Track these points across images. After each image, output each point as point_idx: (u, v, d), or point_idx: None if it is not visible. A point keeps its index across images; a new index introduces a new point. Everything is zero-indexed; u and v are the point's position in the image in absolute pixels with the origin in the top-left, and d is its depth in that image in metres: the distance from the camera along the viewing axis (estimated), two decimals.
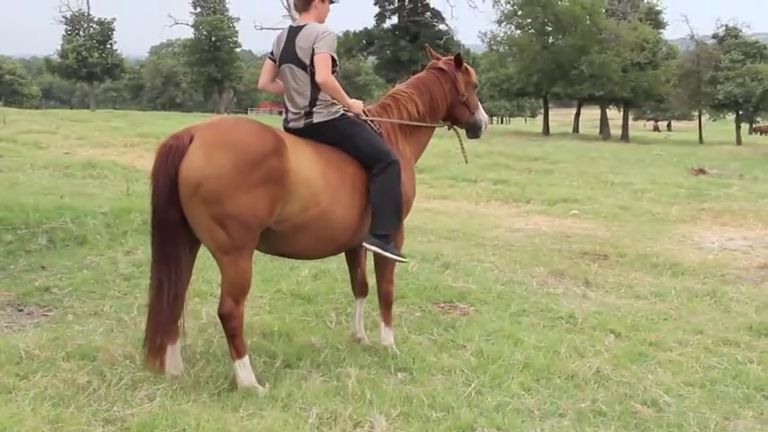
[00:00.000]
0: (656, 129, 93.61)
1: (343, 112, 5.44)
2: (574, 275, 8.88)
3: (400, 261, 5.61)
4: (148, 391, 4.77)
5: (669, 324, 7.05)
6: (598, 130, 58.82)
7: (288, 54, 5.38)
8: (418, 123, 5.96)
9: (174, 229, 4.77)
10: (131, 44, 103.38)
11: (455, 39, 62.35)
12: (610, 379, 5.45)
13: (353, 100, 5.53)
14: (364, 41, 62.45)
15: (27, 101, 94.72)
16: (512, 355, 5.74)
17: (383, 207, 5.34)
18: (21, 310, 6.72)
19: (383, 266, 5.70)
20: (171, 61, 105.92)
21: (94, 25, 73.81)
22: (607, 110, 59.29)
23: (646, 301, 7.90)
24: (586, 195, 16.80)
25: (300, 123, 5.37)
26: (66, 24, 73.24)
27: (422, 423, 4.51)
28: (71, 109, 77.95)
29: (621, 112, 60.94)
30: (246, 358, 4.93)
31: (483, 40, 60.35)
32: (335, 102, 5.38)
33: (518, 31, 58.44)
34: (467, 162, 6.75)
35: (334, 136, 5.34)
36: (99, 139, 25.95)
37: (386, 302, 5.84)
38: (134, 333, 5.79)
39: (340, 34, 62.54)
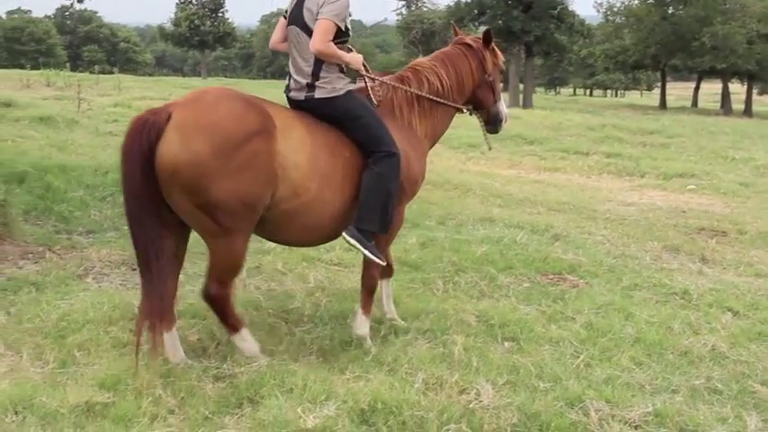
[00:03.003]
0: None
1: (348, 89, 5.04)
2: (689, 251, 8.59)
3: (378, 262, 5.07)
4: None
5: None
6: (719, 105, 56.56)
7: (296, 16, 4.98)
8: (434, 98, 5.42)
9: (147, 207, 4.45)
10: (242, 13, 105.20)
11: (569, 9, 60.72)
12: (726, 357, 5.27)
13: (351, 54, 5.05)
14: (476, 11, 61.30)
15: (141, 68, 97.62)
16: (622, 329, 5.63)
17: (372, 202, 4.89)
18: (134, 270, 6.88)
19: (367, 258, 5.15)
20: None
21: None
22: (729, 83, 56.87)
23: (766, 280, 7.58)
24: (704, 170, 16.20)
25: (301, 95, 5.00)
26: None
27: (529, 392, 4.44)
28: (183, 77, 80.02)
29: (745, 86, 58.35)
30: (244, 330, 4.77)
31: (599, 11, 58.76)
32: (341, 76, 5.02)
33: (636, 1, 56.63)
34: (490, 149, 6.40)
35: (336, 114, 4.96)
36: None
37: (368, 290, 5.37)
38: (243, 295, 5.90)
39: (451, 3, 61.87)
